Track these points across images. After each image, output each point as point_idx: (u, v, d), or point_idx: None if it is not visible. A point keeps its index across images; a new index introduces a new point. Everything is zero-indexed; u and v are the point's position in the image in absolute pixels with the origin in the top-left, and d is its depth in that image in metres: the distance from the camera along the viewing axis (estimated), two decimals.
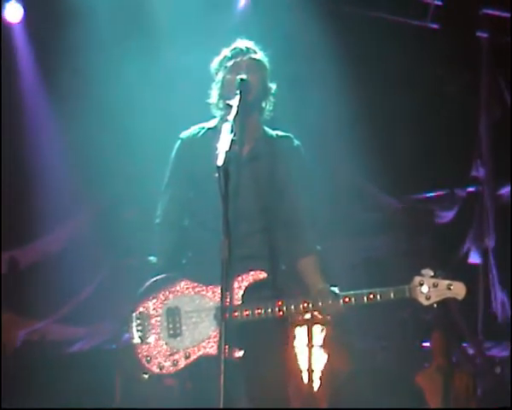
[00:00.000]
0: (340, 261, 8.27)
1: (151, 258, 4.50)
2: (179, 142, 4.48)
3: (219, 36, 4.94)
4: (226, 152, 3.69)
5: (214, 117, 4.44)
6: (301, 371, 6.93)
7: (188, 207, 4.43)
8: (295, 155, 4.43)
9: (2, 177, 7.81)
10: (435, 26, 8.40)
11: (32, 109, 8.04)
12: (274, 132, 4.46)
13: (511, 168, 8.41)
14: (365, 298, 4.14)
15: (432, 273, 4.08)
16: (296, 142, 4.46)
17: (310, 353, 6.88)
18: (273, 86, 4.42)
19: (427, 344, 7.59)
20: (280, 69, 4.50)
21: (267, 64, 4.41)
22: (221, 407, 3.50)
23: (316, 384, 6.92)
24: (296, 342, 6.97)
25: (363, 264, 8.44)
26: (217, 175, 3.62)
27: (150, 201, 8.25)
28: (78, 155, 8.09)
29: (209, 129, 4.42)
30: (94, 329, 8.23)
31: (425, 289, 4.08)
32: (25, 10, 7.88)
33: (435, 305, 4.09)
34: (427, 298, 4.09)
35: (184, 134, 4.49)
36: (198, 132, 4.45)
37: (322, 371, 6.98)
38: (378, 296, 4.12)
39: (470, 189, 8.99)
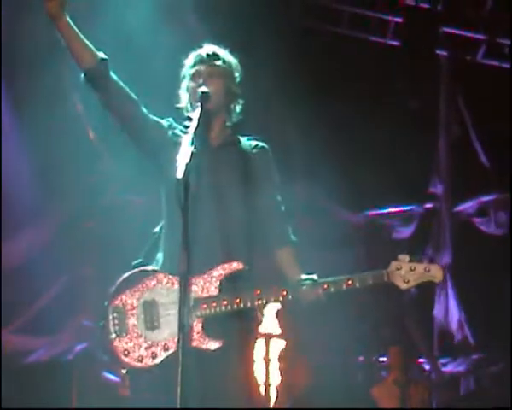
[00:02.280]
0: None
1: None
2: (168, 122, 4.45)
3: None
4: (186, 164, 3.70)
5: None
6: (258, 385, 6.94)
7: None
8: (265, 156, 4.46)
9: None
10: (395, 42, 8.50)
11: None
12: (242, 138, 4.50)
13: (468, 185, 8.53)
14: (344, 284, 4.14)
15: (408, 258, 4.10)
16: (265, 145, 4.50)
17: (267, 366, 6.90)
18: (238, 90, 4.43)
19: (385, 359, 7.65)
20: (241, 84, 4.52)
21: (231, 68, 4.43)
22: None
23: (272, 398, 6.93)
24: (254, 355, 6.98)
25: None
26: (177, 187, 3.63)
27: (108, 213, 8.33)
28: (40, 164, 8.03)
29: (182, 130, 4.42)
30: (52, 339, 8.16)
31: (403, 272, 4.10)
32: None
33: (413, 289, 4.11)
34: (406, 281, 4.11)
35: (171, 121, 4.48)
36: (169, 129, 4.44)
37: (278, 386, 7.00)
38: (357, 283, 4.13)
39: (428, 205, 9.07)
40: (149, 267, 4.23)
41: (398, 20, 8.40)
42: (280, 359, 7.04)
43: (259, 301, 4.14)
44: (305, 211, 8.75)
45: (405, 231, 8.99)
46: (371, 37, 8.55)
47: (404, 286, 4.09)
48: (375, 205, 9.12)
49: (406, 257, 4.10)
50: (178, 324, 3.62)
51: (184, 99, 4.40)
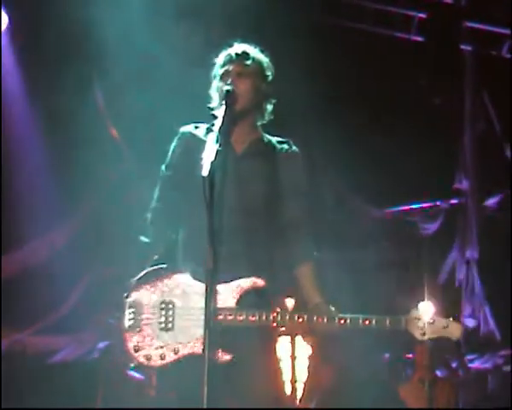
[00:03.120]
0: (325, 274, 8.24)
1: (142, 238, 4.44)
2: (179, 136, 4.43)
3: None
4: (211, 162, 3.67)
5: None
6: (284, 382, 6.91)
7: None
8: (294, 161, 4.40)
9: None
10: (419, 38, 8.44)
11: (14, 120, 7.98)
12: (273, 138, 4.44)
13: (493, 180, 8.45)
14: (361, 322, 4.11)
15: (430, 310, 4.07)
16: (295, 148, 4.44)
17: (293, 364, 6.87)
18: (269, 89, 4.38)
19: (411, 356, 7.60)
20: None
21: (262, 67, 4.38)
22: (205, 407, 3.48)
23: (298, 396, 6.91)
24: (279, 353, 6.95)
25: (348, 276, 8.41)
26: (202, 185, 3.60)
27: (131, 212, 8.34)
28: (60, 166, 8.05)
29: (207, 129, 4.38)
30: (75, 339, 8.17)
31: (421, 324, 4.07)
32: (10, 18, 7.83)
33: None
34: (422, 334, 4.07)
35: (185, 129, 4.44)
36: (198, 132, 4.41)
37: (305, 383, 6.97)
38: (374, 322, 4.10)
39: (454, 200, 9.01)
40: (173, 266, 4.20)
41: (422, 15, 8.34)
42: (306, 356, 7.01)
43: (275, 324, 4.12)
44: (329, 208, 8.74)
45: (431, 228, 8.93)
46: (395, 33, 8.50)
47: (420, 338, 4.05)
48: (400, 201, 9.06)
49: (429, 306, 4.08)
50: (204, 322, 3.60)
51: (215, 99, 4.36)
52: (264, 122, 4.41)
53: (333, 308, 4.15)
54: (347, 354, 7.82)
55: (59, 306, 8.12)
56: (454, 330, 3.99)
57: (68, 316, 8.07)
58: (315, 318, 4.10)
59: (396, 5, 8.42)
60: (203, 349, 3.58)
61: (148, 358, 4.09)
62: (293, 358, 6.87)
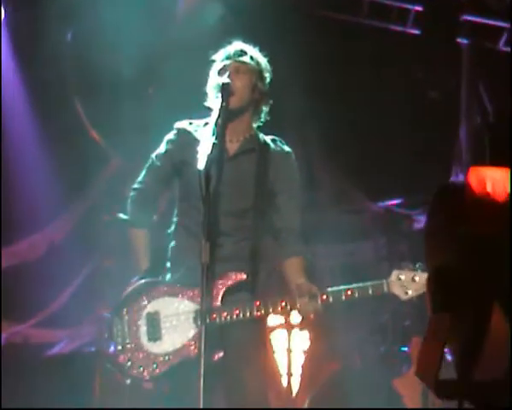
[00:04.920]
0: (318, 266, 8.27)
1: (120, 215, 4.50)
2: (174, 131, 4.47)
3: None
4: (208, 155, 3.70)
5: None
6: (280, 376, 6.93)
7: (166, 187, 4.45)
8: (286, 161, 4.45)
9: None
10: (416, 31, 8.43)
11: (10, 111, 7.99)
12: (267, 137, 4.47)
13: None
14: (343, 296, 4.13)
15: (411, 266, 4.05)
16: (287, 148, 4.47)
17: (289, 357, 6.89)
18: (266, 88, 4.41)
19: (406, 349, 7.61)
20: None
21: (260, 66, 4.41)
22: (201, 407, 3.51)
23: (295, 389, 6.93)
24: (275, 346, 6.98)
25: (342, 269, 8.43)
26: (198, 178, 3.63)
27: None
28: (57, 159, 8.07)
29: (203, 125, 4.41)
30: (74, 331, 8.19)
31: (403, 283, 4.05)
32: (5, 13, 7.82)
33: (414, 299, 4.07)
34: (406, 293, 4.06)
35: (180, 125, 4.48)
36: (192, 128, 4.44)
37: (301, 376, 6.99)
38: (356, 293, 4.12)
39: None
40: (152, 279, 4.27)
41: (418, 8, 8.33)
42: (302, 350, 7.03)
43: (259, 313, 4.15)
44: (324, 199, 8.75)
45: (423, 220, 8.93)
46: (390, 26, 8.48)
47: (404, 297, 4.04)
48: (396, 194, 9.06)
49: (409, 264, 4.05)
50: (200, 316, 3.63)
51: (211, 96, 4.38)
52: (260, 124, 4.45)
53: (315, 288, 4.17)
54: (342, 348, 7.86)
55: (57, 299, 8.14)
56: None
57: (66, 309, 8.09)
58: (297, 301, 4.13)
59: None
60: (197, 349, 3.62)
61: (141, 371, 4.17)
62: (290, 351, 6.89)
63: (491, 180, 2.20)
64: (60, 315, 8.09)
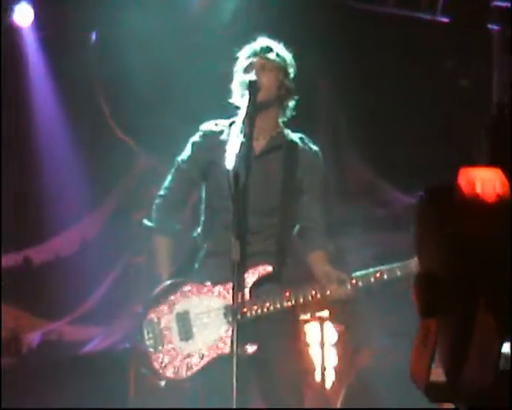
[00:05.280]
0: (351, 259, 8.24)
1: (144, 221, 4.50)
2: (200, 133, 4.46)
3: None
4: (236, 154, 3.70)
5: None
6: (314, 369, 6.92)
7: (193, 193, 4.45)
8: (314, 160, 4.44)
9: (15, 176, 7.85)
10: (445, 19, 8.35)
11: (42, 113, 8.05)
12: (294, 135, 4.45)
13: None
14: (372, 278, 4.13)
15: None
16: (315, 147, 4.46)
17: (322, 350, 6.87)
18: (291, 84, 4.40)
19: None
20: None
21: (285, 63, 4.40)
22: (234, 406, 3.51)
23: (328, 382, 6.91)
24: (308, 339, 6.96)
25: (375, 262, 8.38)
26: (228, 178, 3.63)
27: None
28: (90, 156, 8.12)
29: (229, 125, 4.40)
30: (107, 329, 8.24)
31: None
32: (35, 13, 7.85)
33: None
34: None
35: (205, 127, 4.47)
36: (218, 128, 4.43)
37: (335, 369, 6.97)
38: (385, 275, 4.11)
39: None
40: (180, 279, 4.27)
41: None
42: (335, 342, 7.01)
43: (289, 303, 4.14)
44: (355, 192, 8.72)
45: None
46: (419, 14, 8.40)
47: None
48: (427, 185, 8.98)
49: None
50: (232, 314, 3.63)
51: (237, 93, 4.38)
52: (285, 119, 4.43)
53: (343, 273, 4.17)
54: (374, 339, 7.81)
55: (91, 296, 8.19)
56: None
57: (100, 306, 8.14)
58: (327, 287, 4.12)
59: None
60: (230, 345, 3.62)
61: (176, 372, 4.18)
62: (323, 344, 6.88)
63: (481, 181, 2.18)
64: (93, 312, 8.15)
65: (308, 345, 6.92)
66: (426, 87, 8.24)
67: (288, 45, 4.51)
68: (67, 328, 8.11)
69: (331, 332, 6.97)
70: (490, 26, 8.31)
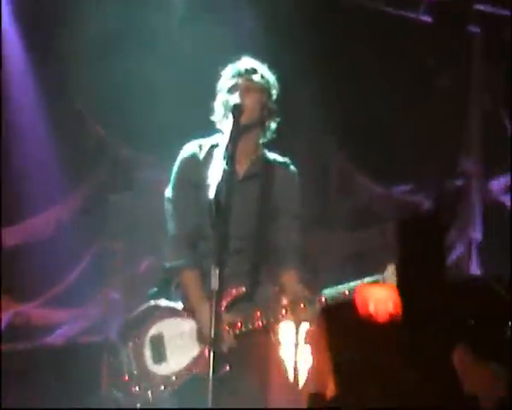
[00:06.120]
0: (331, 255, 8.30)
1: (169, 264, 4.45)
2: (182, 159, 4.42)
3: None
4: (218, 183, 3.68)
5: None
6: (286, 370, 6.94)
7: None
8: (290, 183, 4.43)
9: None
10: (427, 18, 8.37)
11: (19, 97, 7.98)
12: (272, 157, 4.44)
13: (498, 162, 8.44)
14: (341, 296, 4.14)
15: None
16: (293, 169, 4.45)
17: (296, 351, 6.88)
18: (274, 106, 4.37)
19: None
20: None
21: (269, 84, 4.36)
22: None
23: (301, 383, 6.94)
24: (282, 340, 6.97)
25: (354, 257, 8.44)
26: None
27: (136, 186, 8.36)
28: (66, 140, 8.08)
29: (212, 147, 4.38)
30: (77, 313, 8.23)
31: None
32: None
33: None
34: None
35: (187, 151, 4.42)
36: (201, 150, 4.40)
37: (308, 370, 7.00)
38: (352, 295, 4.12)
39: (457, 180, 8.98)
40: (154, 303, 4.28)
41: None
42: (309, 343, 7.03)
43: (260, 323, 4.17)
44: (335, 187, 8.75)
45: (434, 207, 8.92)
46: (403, 12, 8.43)
47: None
48: (403, 180, 9.05)
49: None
50: (210, 342, 3.63)
51: (219, 112, 4.34)
52: (266, 140, 4.42)
53: (312, 292, 4.19)
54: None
55: (63, 279, 8.16)
56: None
57: (73, 289, 8.12)
58: (296, 307, 4.15)
59: None
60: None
61: (152, 393, 4.18)
62: (296, 345, 6.89)
63: (374, 301, 2.22)
64: (64, 296, 8.10)
65: (281, 345, 6.94)
66: (406, 85, 8.29)
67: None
68: (36, 311, 8.08)
69: (306, 333, 6.98)
70: (471, 28, 8.38)
